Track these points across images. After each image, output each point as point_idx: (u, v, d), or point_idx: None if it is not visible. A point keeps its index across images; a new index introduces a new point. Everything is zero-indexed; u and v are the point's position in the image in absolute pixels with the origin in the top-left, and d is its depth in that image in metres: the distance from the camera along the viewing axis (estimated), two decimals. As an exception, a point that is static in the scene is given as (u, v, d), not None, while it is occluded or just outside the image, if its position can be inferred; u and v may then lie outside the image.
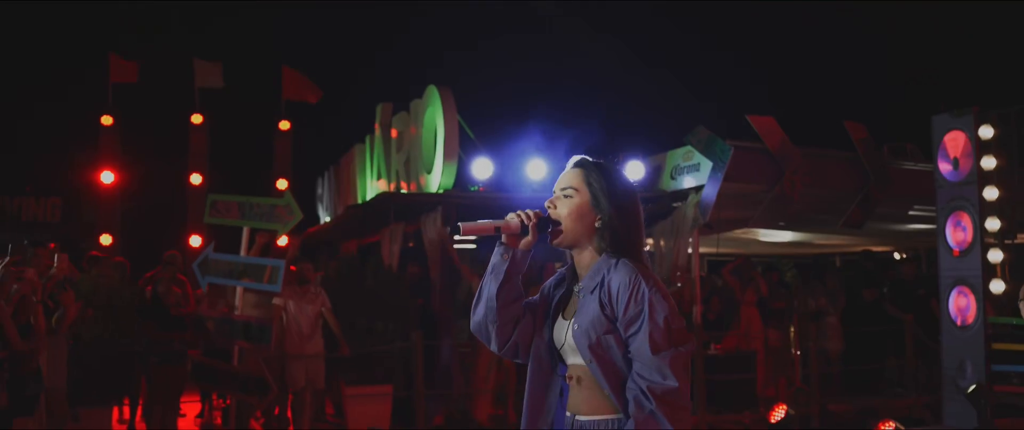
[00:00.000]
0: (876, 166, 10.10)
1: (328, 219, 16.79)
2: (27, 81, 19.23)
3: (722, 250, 12.40)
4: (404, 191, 11.40)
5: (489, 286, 2.36)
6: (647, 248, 13.33)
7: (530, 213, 2.35)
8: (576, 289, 2.39)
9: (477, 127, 10.63)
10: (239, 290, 7.69)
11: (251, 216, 7.70)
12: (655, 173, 10.67)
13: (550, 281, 2.53)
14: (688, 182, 10.02)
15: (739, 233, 11.85)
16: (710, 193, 9.29)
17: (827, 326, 11.00)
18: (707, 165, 9.43)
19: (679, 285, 9.76)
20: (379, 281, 8.78)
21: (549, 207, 2.40)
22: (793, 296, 11.33)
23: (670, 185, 10.34)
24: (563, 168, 2.51)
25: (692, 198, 9.71)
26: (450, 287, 9.31)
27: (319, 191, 18.96)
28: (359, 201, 13.70)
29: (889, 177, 10.17)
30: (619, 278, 2.27)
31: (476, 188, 10.17)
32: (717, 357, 10.20)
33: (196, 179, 15.62)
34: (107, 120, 15.04)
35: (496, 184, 10.36)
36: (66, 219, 15.30)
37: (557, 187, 2.43)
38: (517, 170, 10.30)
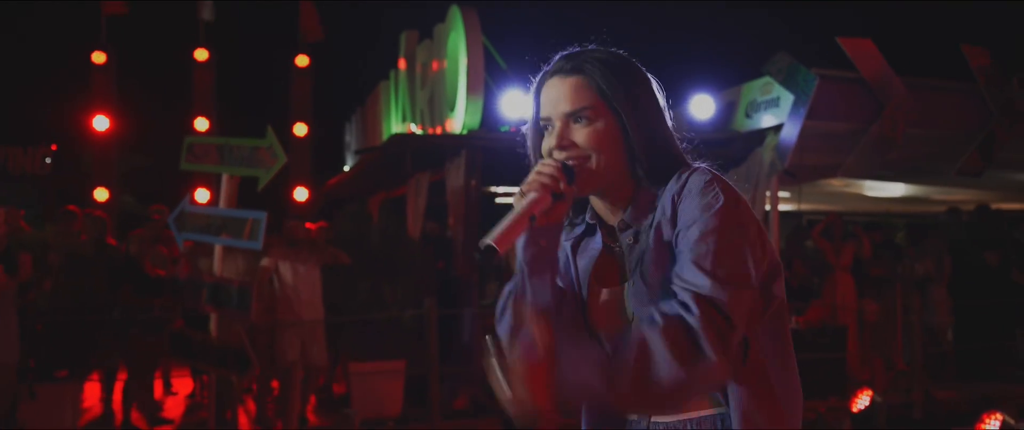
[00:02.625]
0: (1002, 101, 9.49)
1: (346, 168, 16.66)
2: (10, 16, 19.32)
3: (805, 206, 11.94)
4: (421, 133, 11.13)
5: (531, 295, 1.85)
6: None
7: (549, 168, 1.83)
8: (622, 241, 1.92)
9: (511, 55, 10.18)
10: (218, 249, 7.45)
11: (231, 161, 7.40)
12: (727, 110, 10.27)
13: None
14: (766, 121, 9.62)
15: (839, 185, 11.50)
16: (790, 133, 8.87)
17: (932, 297, 10.54)
18: (788, 99, 9.01)
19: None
20: (387, 239, 8.48)
21: (550, 146, 1.89)
22: (896, 260, 10.80)
23: (745, 124, 9.98)
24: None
25: (770, 140, 9.34)
26: (475, 247, 8.94)
27: (347, 138, 18.82)
28: (383, 148, 13.45)
29: (1019, 114, 9.48)
30: (687, 185, 1.80)
31: (507, 128, 9.79)
32: (799, 332, 9.70)
33: (202, 124, 15.48)
34: (100, 57, 14.94)
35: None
36: (58, 171, 15.36)
37: (554, 110, 1.91)
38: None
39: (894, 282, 10.32)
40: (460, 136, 9.67)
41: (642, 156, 1.88)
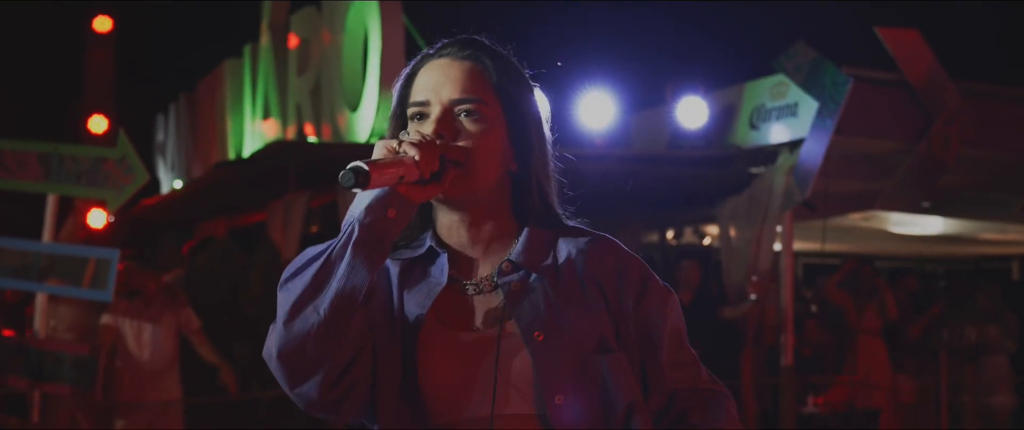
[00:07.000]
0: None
1: (179, 184, 16.51)
2: None
3: (831, 247, 12.06)
4: (312, 139, 11.31)
5: (345, 268, 1.99)
6: (707, 240, 13.04)
7: (430, 141, 2.05)
8: (499, 282, 2.17)
9: (438, 35, 10.48)
10: (42, 299, 7.58)
11: (61, 176, 7.38)
12: (724, 118, 10.62)
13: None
14: (778, 134, 10.00)
15: (858, 219, 11.78)
16: (814, 152, 9.19)
17: (989, 369, 11.12)
18: (810, 106, 9.37)
19: (753, 298, 9.74)
20: (271, 284, 8.62)
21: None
22: (941, 321, 11.43)
23: (749, 138, 10.35)
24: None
25: (784, 160, 9.67)
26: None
27: (160, 137, 18.73)
28: (233, 155, 13.66)
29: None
30: (610, 254, 2.22)
31: (437, 138, 9.97)
32: (817, 416, 10.22)
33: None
34: None
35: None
36: None
37: (436, 93, 2.15)
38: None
39: (939, 349, 11.00)
40: (368, 145, 9.38)
41: (537, 187, 2.20)
